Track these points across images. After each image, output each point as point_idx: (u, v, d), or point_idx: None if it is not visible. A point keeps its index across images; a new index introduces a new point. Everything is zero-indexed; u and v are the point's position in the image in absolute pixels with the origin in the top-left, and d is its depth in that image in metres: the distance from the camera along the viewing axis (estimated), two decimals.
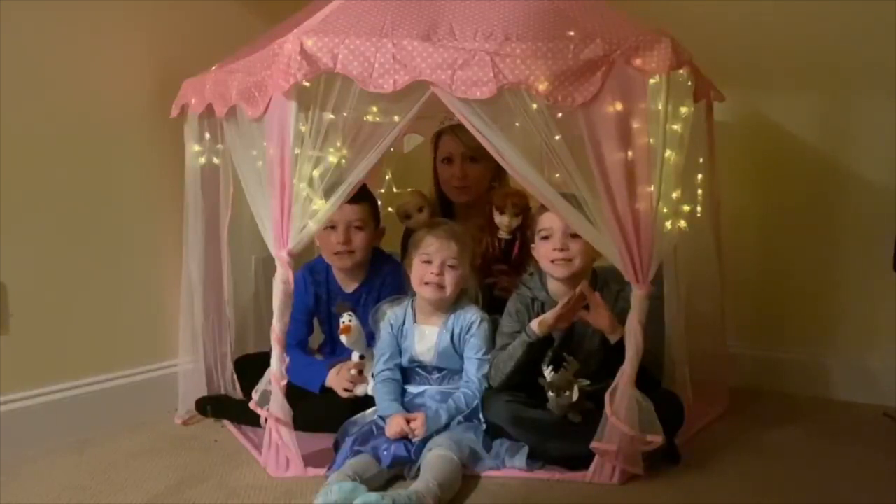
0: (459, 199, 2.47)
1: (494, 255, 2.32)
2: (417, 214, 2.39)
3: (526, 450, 1.86)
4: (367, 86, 1.69)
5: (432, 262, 1.99)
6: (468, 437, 1.87)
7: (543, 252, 1.97)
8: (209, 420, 2.21)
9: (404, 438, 1.84)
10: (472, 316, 2.03)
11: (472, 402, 1.96)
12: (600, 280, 1.99)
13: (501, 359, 1.94)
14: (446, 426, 1.90)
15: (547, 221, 1.96)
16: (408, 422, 1.86)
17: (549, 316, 1.88)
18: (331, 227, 2.16)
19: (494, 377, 1.95)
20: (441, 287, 1.99)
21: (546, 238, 1.96)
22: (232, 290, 2.31)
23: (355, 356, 2.09)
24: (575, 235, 1.90)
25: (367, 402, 2.05)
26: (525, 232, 2.26)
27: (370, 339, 2.13)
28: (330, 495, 1.58)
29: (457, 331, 2.03)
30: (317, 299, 2.31)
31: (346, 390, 2.09)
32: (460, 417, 1.93)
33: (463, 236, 2.04)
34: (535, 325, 1.89)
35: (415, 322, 2.07)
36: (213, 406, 2.21)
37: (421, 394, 2.04)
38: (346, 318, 2.06)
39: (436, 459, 1.74)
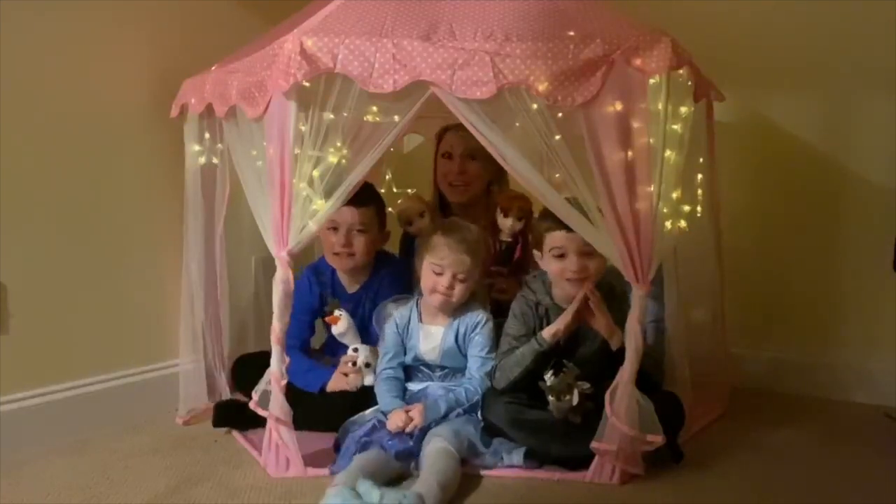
0: (456, 199, 2.47)
1: (494, 257, 2.31)
2: (419, 220, 2.38)
3: (522, 447, 1.86)
4: (366, 86, 1.69)
5: (444, 274, 1.99)
6: (467, 430, 1.88)
7: (556, 269, 1.93)
8: (209, 420, 2.20)
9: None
10: (477, 317, 2.04)
11: (472, 397, 1.97)
12: (604, 284, 1.96)
13: (508, 364, 1.94)
14: (445, 417, 1.91)
15: (559, 241, 1.90)
16: (407, 412, 1.88)
17: (560, 327, 1.89)
18: (332, 228, 2.16)
19: (499, 380, 1.95)
20: (450, 299, 2.01)
21: (560, 257, 1.91)
22: (227, 290, 2.32)
23: (350, 351, 2.12)
24: (589, 253, 1.87)
25: (367, 401, 2.04)
26: (527, 236, 2.25)
27: (374, 337, 2.14)
28: (335, 498, 1.58)
29: (462, 331, 2.04)
30: (321, 299, 2.31)
31: (345, 374, 2.10)
32: (459, 410, 1.94)
33: (477, 246, 2.03)
34: (546, 334, 1.90)
35: (420, 321, 2.07)
36: (229, 416, 2.13)
37: (423, 390, 2.05)
38: (336, 312, 2.13)
39: (436, 455, 1.75)
